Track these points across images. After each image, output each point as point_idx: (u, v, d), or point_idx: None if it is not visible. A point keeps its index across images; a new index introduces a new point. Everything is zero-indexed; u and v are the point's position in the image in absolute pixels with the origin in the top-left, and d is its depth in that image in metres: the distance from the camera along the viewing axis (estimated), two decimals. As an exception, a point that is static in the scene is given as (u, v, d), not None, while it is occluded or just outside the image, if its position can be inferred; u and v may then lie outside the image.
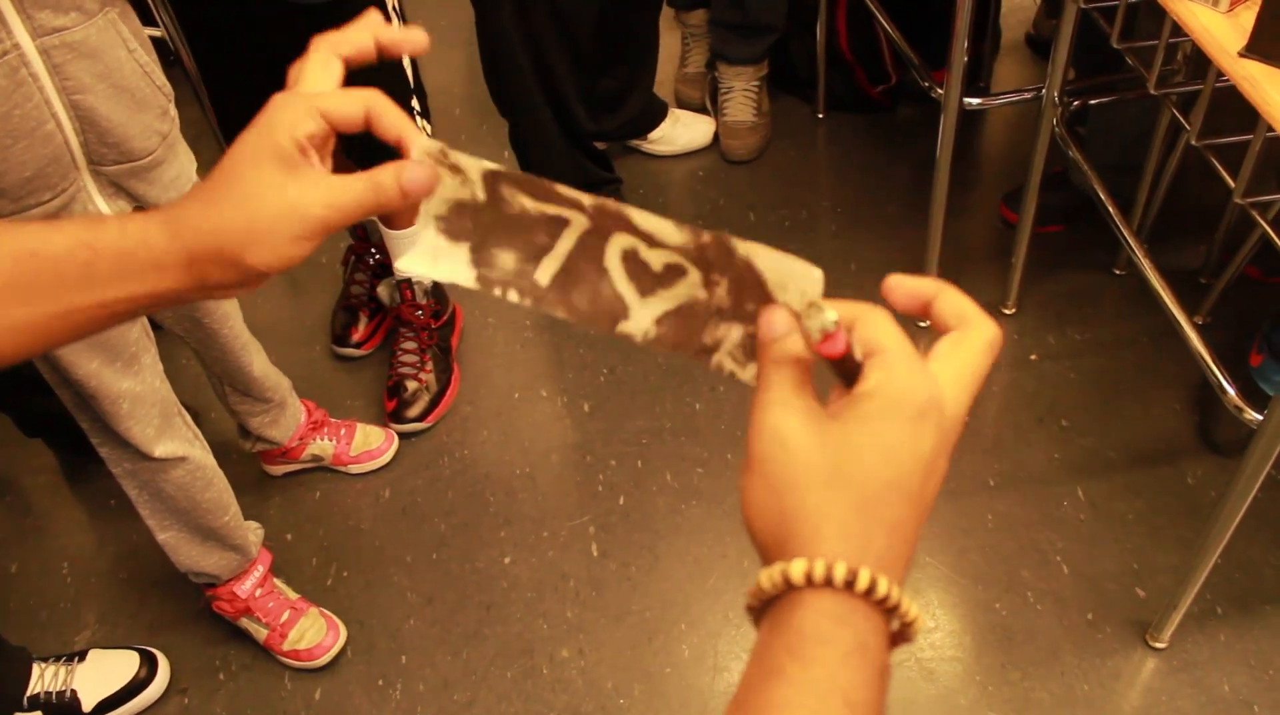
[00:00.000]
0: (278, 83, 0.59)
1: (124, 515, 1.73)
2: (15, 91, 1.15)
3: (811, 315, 0.48)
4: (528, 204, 0.57)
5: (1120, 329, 2.10)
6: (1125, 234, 1.75)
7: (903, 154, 2.57)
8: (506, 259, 0.58)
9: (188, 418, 1.57)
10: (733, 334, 0.55)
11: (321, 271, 2.38)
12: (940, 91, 1.85)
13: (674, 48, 2.76)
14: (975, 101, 2.01)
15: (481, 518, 1.90)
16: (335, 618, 1.76)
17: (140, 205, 1.34)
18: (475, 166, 0.58)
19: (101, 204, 1.30)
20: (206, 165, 0.63)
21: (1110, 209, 1.78)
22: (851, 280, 2.22)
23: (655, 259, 0.55)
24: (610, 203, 0.56)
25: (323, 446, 1.96)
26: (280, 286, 2.41)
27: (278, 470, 1.99)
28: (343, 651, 1.74)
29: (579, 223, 0.56)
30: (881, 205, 2.42)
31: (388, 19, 1.72)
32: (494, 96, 2.26)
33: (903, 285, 0.52)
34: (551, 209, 0.57)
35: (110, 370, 1.41)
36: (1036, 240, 2.06)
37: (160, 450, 1.51)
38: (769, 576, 0.45)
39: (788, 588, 0.45)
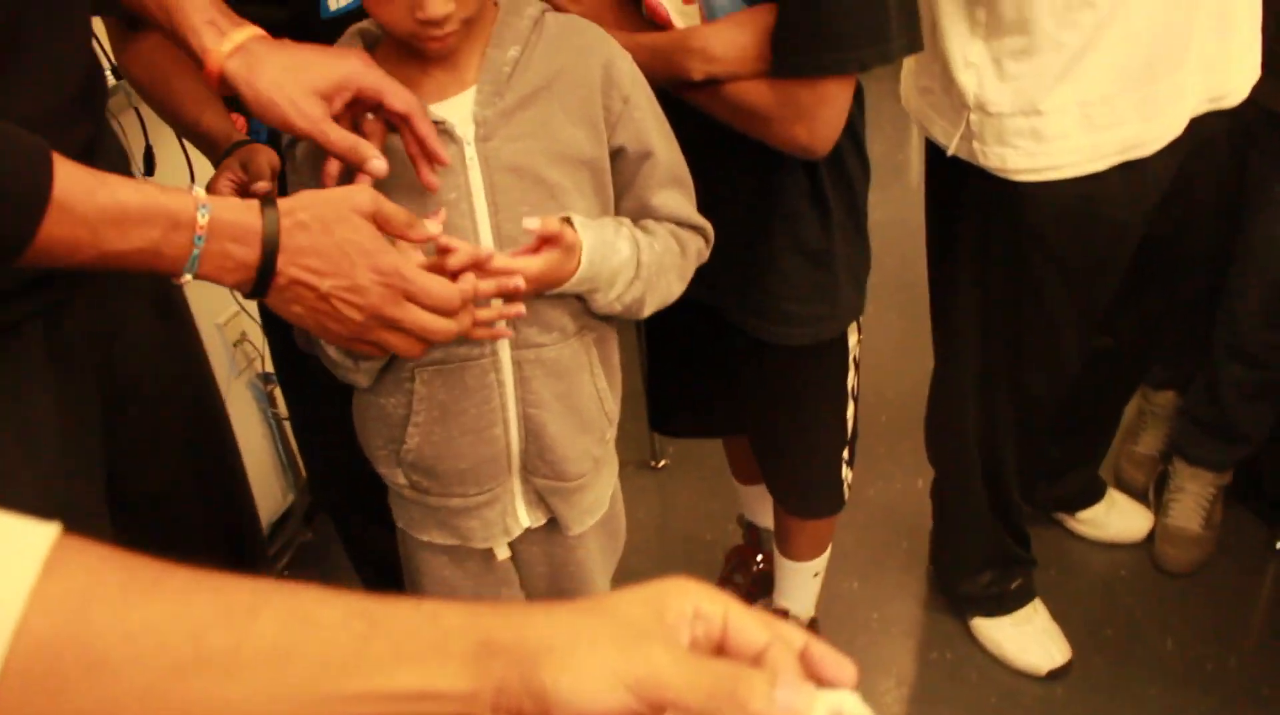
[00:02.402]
0: None
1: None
2: (477, 392, 1.20)
3: None
4: None
5: None
6: None
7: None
8: None
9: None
10: None
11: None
12: None
13: (1127, 418, 2.58)
14: None
15: None
16: None
17: (554, 518, 1.35)
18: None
19: (522, 511, 1.32)
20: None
21: None
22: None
23: None
24: None
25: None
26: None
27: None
28: None
29: None
30: (1331, 685, 2.09)
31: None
32: (928, 442, 2.21)
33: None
34: None
35: None
36: None
37: None
38: None
39: None
